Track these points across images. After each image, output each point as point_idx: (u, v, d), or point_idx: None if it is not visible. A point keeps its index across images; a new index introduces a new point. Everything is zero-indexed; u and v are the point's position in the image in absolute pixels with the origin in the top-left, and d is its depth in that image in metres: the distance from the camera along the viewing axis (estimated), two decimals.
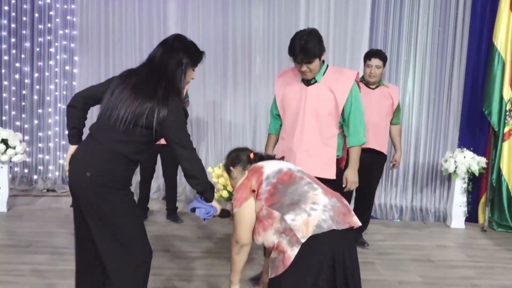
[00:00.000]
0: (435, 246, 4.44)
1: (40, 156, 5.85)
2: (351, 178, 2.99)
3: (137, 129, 2.15)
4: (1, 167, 4.59)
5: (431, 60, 5.29)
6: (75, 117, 2.34)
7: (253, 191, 2.23)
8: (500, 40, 4.82)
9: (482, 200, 5.14)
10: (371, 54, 4.06)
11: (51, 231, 4.19)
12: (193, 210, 2.36)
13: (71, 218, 4.71)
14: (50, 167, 5.87)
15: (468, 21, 5.15)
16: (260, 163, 2.36)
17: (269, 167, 2.28)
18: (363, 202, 4.27)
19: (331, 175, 2.94)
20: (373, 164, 4.06)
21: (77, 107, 2.32)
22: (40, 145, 5.84)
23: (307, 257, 2.03)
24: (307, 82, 2.99)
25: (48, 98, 5.78)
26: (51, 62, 5.73)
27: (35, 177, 5.85)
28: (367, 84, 4.08)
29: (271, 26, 5.50)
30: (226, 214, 2.49)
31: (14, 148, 4.55)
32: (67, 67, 5.73)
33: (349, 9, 5.36)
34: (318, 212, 2.07)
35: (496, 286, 3.57)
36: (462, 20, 5.17)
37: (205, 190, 2.29)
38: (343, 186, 3.01)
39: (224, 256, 3.79)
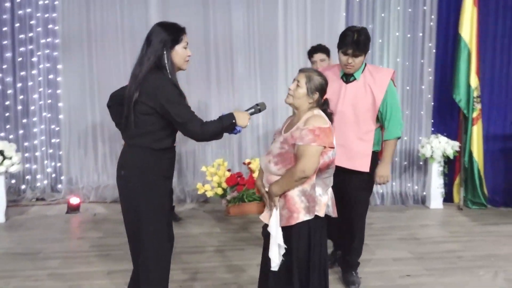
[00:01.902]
0: (418, 225, 4.79)
1: (27, 165, 5.85)
2: (382, 172, 3.08)
3: (142, 118, 2.30)
4: None
5: (403, 53, 5.64)
6: None
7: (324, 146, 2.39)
8: (465, 32, 5.21)
9: (457, 181, 5.55)
10: (312, 50, 4.11)
11: (55, 237, 4.28)
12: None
13: (70, 224, 4.85)
14: (38, 176, 5.88)
15: (435, 14, 5.55)
16: (331, 125, 2.49)
17: (335, 140, 2.48)
18: None
19: (365, 168, 3.09)
20: None
21: None
22: (26, 154, 5.84)
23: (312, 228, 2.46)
24: (346, 80, 3.14)
25: (32, 107, 5.78)
26: (34, 72, 5.73)
27: (23, 187, 5.85)
28: None
29: (251, 28, 5.71)
30: (257, 110, 2.55)
31: (10, 158, 4.59)
32: (50, 76, 5.76)
33: (325, 7, 5.65)
34: (328, 197, 2.52)
35: (478, 256, 3.94)
36: (430, 14, 5.56)
37: (226, 131, 2.40)
38: (375, 180, 3.13)
39: (228, 248, 4.03)
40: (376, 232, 4.52)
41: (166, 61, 2.33)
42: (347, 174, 3.07)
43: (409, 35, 5.62)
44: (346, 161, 3.04)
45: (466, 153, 5.38)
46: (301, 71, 2.54)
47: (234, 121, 2.37)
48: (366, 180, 3.15)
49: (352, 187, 3.12)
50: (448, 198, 5.56)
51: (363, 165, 3.09)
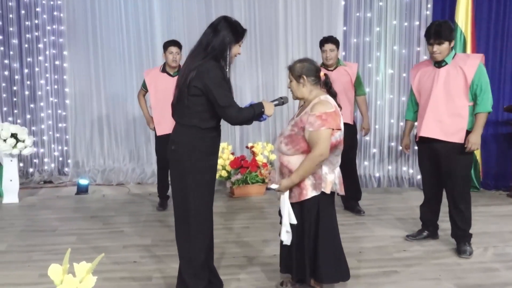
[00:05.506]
0: (415, 206, 4.93)
1: (34, 149, 6.01)
2: (473, 139, 3.44)
3: (191, 100, 2.51)
4: (11, 160, 4.80)
5: (400, 41, 5.82)
6: None
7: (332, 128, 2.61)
8: (461, 20, 5.40)
9: None
10: (324, 40, 4.50)
11: (69, 216, 4.49)
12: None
13: (82, 204, 5.02)
14: (46, 160, 6.06)
15: (431, 3, 5.70)
16: (337, 108, 2.70)
17: (342, 121, 2.71)
18: (349, 176, 4.69)
19: (460, 139, 3.46)
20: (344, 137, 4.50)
21: None
22: (34, 138, 5.99)
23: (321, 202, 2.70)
24: (439, 65, 3.51)
25: (39, 93, 5.95)
26: (41, 58, 5.89)
27: (31, 170, 6.04)
28: (326, 67, 4.51)
29: (252, 17, 5.88)
30: (281, 103, 2.80)
31: (23, 141, 4.75)
32: (57, 62, 5.91)
33: None
34: (334, 176, 2.75)
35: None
36: (426, 3, 5.72)
37: (255, 118, 2.63)
38: (465, 146, 3.46)
39: (235, 226, 4.24)
40: (373, 212, 4.74)
41: (227, 55, 2.55)
42: (443, 148, 3.50)
43: (406, 24, 5.79)
44: (442, 134, 3.49)
45: None
46: (287, 68, 2.79)
47: (263, 110, 2.62)
48: (463, 154, 3.50)
49: (449, 161, 3.52)
50: None
51: (458, 137, 3.47)
